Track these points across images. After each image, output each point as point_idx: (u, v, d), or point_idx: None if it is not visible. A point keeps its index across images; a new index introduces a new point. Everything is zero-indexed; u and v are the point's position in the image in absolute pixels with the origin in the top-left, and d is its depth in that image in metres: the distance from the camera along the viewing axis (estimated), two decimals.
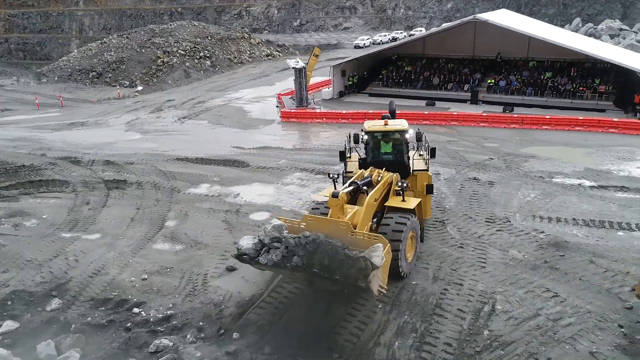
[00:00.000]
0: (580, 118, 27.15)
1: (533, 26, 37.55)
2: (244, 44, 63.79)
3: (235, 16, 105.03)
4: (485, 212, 16.82)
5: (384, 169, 13.78)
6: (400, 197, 13.13)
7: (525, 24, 37.28)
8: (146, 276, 13.72)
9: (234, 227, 16.77)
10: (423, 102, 33.71)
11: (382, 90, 37.33)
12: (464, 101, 33.89)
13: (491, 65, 36.85)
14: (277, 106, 36.51)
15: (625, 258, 13.51)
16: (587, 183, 19.11)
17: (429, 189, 14.65)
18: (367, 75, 40.22)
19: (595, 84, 31.79)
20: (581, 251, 13.94)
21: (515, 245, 14.53)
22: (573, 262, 13.41)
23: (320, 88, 39.74)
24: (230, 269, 13.96)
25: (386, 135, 14.67)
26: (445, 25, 53.50)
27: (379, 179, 13.05)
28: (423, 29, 74.09)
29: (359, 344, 10.81)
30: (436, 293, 12.28)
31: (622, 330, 10.73)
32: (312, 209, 13.66)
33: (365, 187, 12.53)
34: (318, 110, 33.22)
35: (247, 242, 11.11)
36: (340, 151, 14.99)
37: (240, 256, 11.05)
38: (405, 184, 13.08)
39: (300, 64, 33.77)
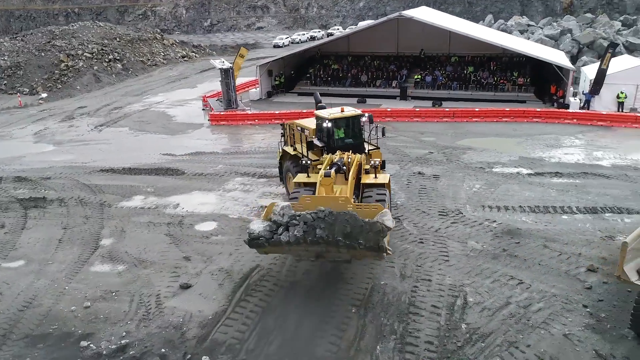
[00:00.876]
0: (507, 109, 28.50)
1: (452, 22, 38.94)
2: (156, 45, 60.50)
3: (140, 16, 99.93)
4: (436, 206, 16.95)
5: (350, 151, 14.77)
6: (372, 175, 14.41)
7: (445, 20, 38.57)
8: (89, 303, 12.26)
9: (180, 240, 15.56)
10: (354, 100, 33.73)
11: (311, 89, 36.55)
12: (394, 97, 34.38)
13: (416, 61, 37.73)
14: (203, 109, 34.91)
15: (574, 240, 14.16)
16: (524, 171, 19.97)
17: (383, 164, 16.33)
18: (294, 74, 39.68)
19: (514, 77, 33.68)
20: (534, 237, 14.42)
21: (472, 236, 14.74)
22: (529, 248, 13.82)
23: (247, 89, 38.53)
24: (185, 287, 12.90)
25: (347, 120, 15.91)
26: (365, 22, 54.55)
27: (349, 160, 13.99)
28: (340, 28, 75.11)
29: (340, 352, 10.34)
30: (407, 291, 12.12)
31: (588, 310, 11.13)
32: (291, 198, 13.85)
33: (344, 168, 13.70)
34: (249, 112, 32.08)
35: (258, 225, 11.35)
36: (308, 141, 16.24)
37: (254, 240, 11.24)
38: (377, 162, 14.52)
39: (227, 65, 32.41)
